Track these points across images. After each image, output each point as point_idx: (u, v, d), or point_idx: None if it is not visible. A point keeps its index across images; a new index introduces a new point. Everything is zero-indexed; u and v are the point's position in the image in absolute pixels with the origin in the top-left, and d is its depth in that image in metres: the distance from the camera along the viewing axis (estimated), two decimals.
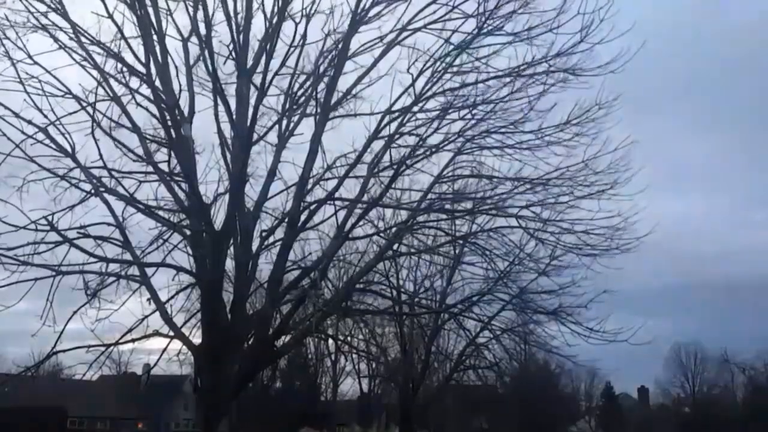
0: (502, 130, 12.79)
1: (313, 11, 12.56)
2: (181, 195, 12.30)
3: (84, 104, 11.82)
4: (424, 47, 12.57)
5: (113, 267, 11.66)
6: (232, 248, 12.36)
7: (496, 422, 56.19)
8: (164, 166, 12.34)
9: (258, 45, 12.70)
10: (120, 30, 11.93)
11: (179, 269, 12.08)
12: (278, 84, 13.01)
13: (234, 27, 12.47)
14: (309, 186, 12.91)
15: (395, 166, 12.99)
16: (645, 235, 12.62)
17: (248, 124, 12.54)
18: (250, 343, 12.31)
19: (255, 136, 12.70)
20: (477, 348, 25.03)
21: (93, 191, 11.66)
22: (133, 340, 11.95)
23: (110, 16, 11.91)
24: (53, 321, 11.00)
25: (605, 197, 12.43)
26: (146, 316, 11.88)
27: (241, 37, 12.56)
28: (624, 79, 11.97)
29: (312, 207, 12.93)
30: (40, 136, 11.48)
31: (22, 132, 11.37)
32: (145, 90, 12.28)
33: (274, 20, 12.57)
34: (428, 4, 12.38)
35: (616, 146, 12.05)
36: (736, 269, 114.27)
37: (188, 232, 12.18)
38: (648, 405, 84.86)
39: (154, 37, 12.16)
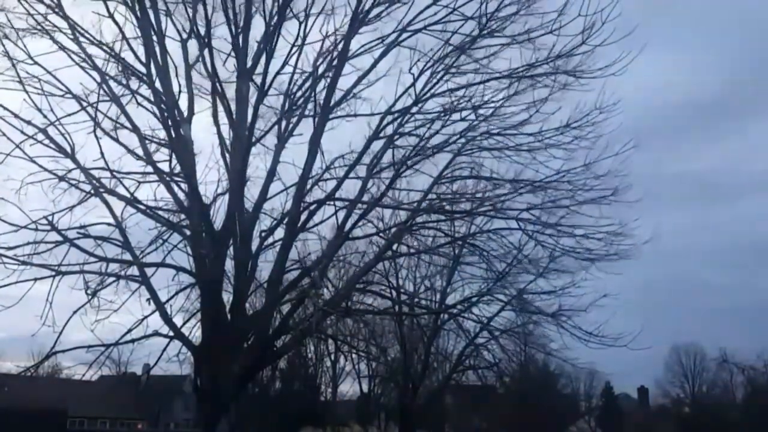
0: (503, 131, 12.81)
1: (312, 12, 12.58)
2: (181, 195, 12.32)
3: (84, 105, 11.85)
4: (425, 48, 12.60)
5: (113, 267, 11.72)
6: (232, 248, 12.37)
7: (496, 422, 56.12)
8: (164, 167, 12.37)
9: (257, 45, 12.72)
10: (121, 30, 11.95)
11: (179, 269, 12.11)
12: (277, 85, 13.05)
13: (233, 27, 12.47)
14: (308, 186, 12.92)
15: (395, 167, 13.01)
16: (645, 242, 12.63)
17: (248, 124, 12.55)
18: (250, 343, 12.31)
19: (254, 137, 12.71)
20: (476, 348, 25.03)
21: (93, 191, 11.69)
22: (133, 341, 11.96)
23: (111, 16, 11.93)
24: (53, 321, 11.04)
25: (606, 202, 12.43)
26: (146, 316, 11.91)
27: (241, 37, 12.57)
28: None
29: (312, 207, 12.94)
30: (40, 136, 11.51)
31: (22, 132, 11.40)
32: (145, 90, 12.32)
33: (274, 21, 12.58)
34: (428, 6, 12.40)
35: (617, 151, 12.06)
36: None
37: (188, 232, 12.19)
38: (648, 405, 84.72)
39: (154, 37, 12.17)
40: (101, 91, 11.85)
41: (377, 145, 12.93)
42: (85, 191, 11.72)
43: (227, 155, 12.58)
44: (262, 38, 12.65)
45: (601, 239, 12.64)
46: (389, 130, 12.92)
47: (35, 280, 11.03)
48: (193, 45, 12.56)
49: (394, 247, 14.16)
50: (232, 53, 12.62)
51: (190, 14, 12.42)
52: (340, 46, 12.63)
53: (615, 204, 12.37)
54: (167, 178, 12.27)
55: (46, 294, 11.06)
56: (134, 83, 12.35)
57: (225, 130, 12.65)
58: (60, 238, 11.26)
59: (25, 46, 11.54)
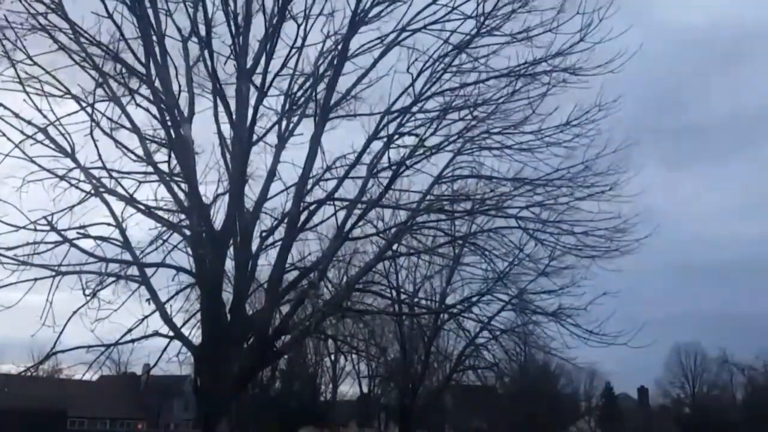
0: (502, 130, 12.81)
1: (312, 13, 12.57)
2: (181, 195, 12.30)
3: (83, 104, 11.83)
4: (424, 48, 12.60)
5: (113, 267, 11.72)
6: (232, 248, 12.37)
7: (496, 422, 56.15)
8: (164, 167, 12.35)
9: (258, 45, 12.71)
10: (120, 30, 11.92)
11: (179, 269, 12.10)
12: (278, 84, 13.03)
13: (234, 27, 12.46)
14: (308, 186, 12.92)
15: (394, 167, 13.00)
16: (645, 237, 12.64)
17: (248, 124, 12.53)
18: (250, 343, 12.31)
19: (255, 137, 12.70)
20: (476, 348, 25.04)
21: (93, 191, 11.67)
22: (133, 341, 11.97)
23: (110, 16, 11.90)
24: (53, 321, 11.04)
25: (605, 198, 12.44)
26: (146, 316, 11.90)
27: (241, 37, 12.56)
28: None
29: (312, 207, 12.94)
30: (40, 136, 11.49)
31: (22, 132, 11.38)
32: (145, 90, 12.28)
33: (274, 21, 12.57)
34: (428, 5, 12.39)
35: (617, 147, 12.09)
36: None
37: (188, 233, 12.18)
38: (648, 405, 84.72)
39: (154, 37, 12.15)
40: (101, 91, 11.84)
41: (377, 145, 12.94)
42: (85, 191, 11.71)
43: (227, 155, 12.57)
44: (263, 38, 12.64)
45: (601, 236, 12.65)
46: (389, 129, 12.91)
47: (35, 280, 11.03)
48: (193, 45, 12.56)
49: (394, 247, 14.15)
50: (232, 54, 12.61)
51: (191, 14, 12.40)
52: (339, 47, 12.62)
53: (614, 199, 12.40)
54: (167, 178, 12.26)
55: (44, 298, 11.06)
56: (134, 83, 12.33)
57: (225, 129, 12.64)
58: (59, 239, 11.25)
59: (24, 46, 11.51)
